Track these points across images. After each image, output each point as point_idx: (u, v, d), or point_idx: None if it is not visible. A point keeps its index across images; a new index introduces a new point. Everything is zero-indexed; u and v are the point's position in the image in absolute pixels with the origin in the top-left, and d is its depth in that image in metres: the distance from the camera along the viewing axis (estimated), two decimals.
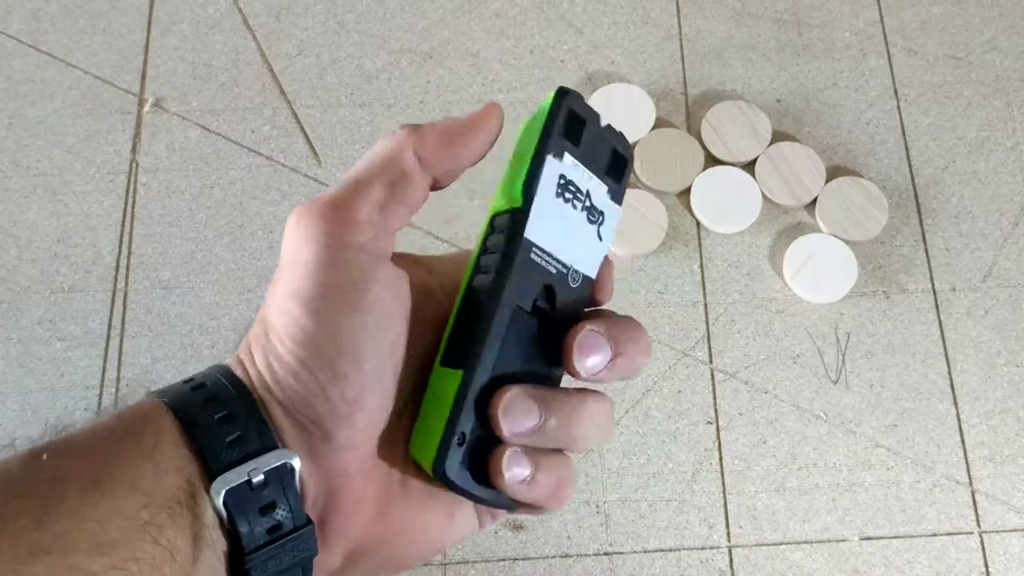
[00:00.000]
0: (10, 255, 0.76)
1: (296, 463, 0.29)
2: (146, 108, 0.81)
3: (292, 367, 0.29)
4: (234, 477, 0.28)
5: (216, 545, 0.28)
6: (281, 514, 0.29)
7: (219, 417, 0.29)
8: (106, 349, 0.73)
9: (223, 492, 0.28)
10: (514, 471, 0.31)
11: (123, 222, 0.77)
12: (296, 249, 0.30)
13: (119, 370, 0.72)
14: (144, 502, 0.27)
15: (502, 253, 0.31)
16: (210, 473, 0.28)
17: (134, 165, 0.79)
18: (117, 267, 0.75)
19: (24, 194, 0.78)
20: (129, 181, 0.78)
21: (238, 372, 0.31)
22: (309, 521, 0.30)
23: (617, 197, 0.36)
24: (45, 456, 0.26)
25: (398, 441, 0.32)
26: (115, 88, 0.81)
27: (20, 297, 0.74)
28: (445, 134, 0.32)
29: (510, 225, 0.32)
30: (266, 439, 0.29)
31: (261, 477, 0.28)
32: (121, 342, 0.73)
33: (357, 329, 0.29)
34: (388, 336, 0.30)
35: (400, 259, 0.33)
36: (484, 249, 0.32)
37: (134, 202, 0.78)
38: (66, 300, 0.74)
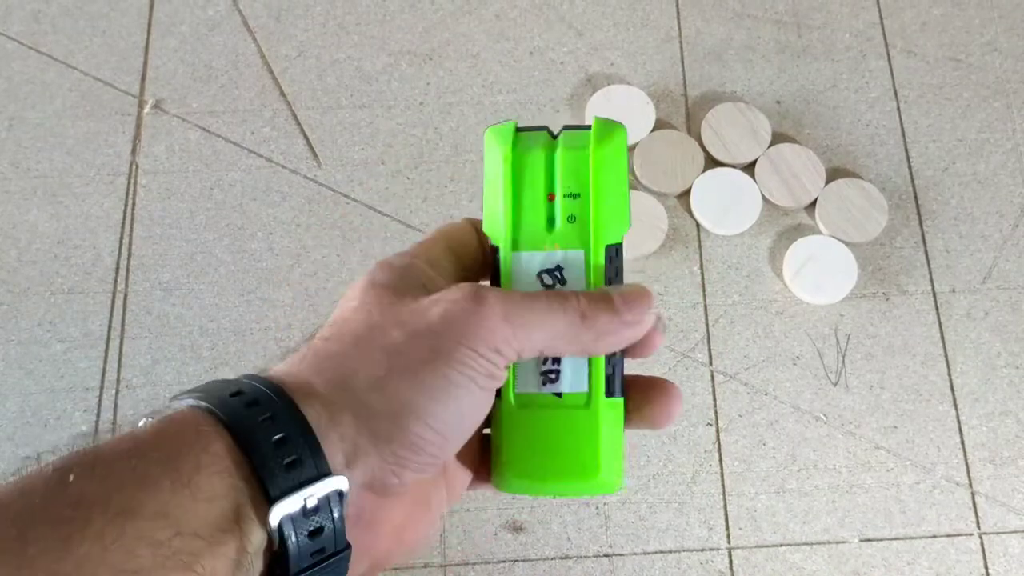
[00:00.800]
0: (10, 257, 0.76)
1: (346, 487, 0.29)
2: (146, 110, 0.81)
3: (403, 407, 0.30)
4: (291, 504, 0.28)
5: (254, 567, 0.28)
6: (326, 538, 0.29)
7: (276, 440, 0.28)
8: (106, 351, 0.73)
9: (280, 517, 0.28)
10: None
11: (123, 224, 0.77)
12: (462, 312, 0.31)
13: (119, 372, 0.72)
14: (175, 530, 0.26)
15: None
16: (267, 498, 0.28)
17: (134, 167, 0.79)
18: (117, 269, 0.75)
19: (24, 196, 0.78)
20: (129, 183, 0.78)
21: (291, 383, 0.30)
22: (348, 546, 0.30)
23: None
24: (72, 477, 0.26)
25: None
26: (115, 90, 0.82)
27: (20, 299, 0.74)
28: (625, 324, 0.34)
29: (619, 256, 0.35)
30: (321, 465, 0.29)
31: (315, 503, 0.28)
32: (121, 344, 0.73)
33: (472, 403, 0.31)
34: (480, 418, 0.32)
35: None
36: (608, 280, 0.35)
37: (134, 204, 0.78)
38: (66, 302, 0.74)
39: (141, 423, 0.29)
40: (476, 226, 0.36)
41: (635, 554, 0.67)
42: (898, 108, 0.81)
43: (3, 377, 0.72)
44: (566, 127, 0.36)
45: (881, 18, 0.84)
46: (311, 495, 0.28)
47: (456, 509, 0.68)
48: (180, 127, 0.80)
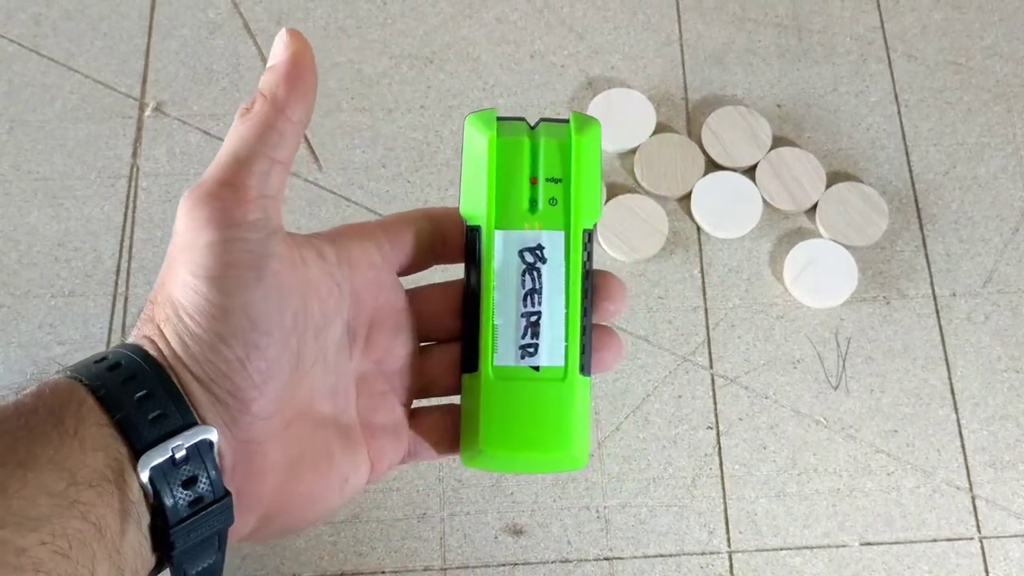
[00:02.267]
0: (10, 259, 0.76)
1: (214, 437, 0.30)
2: (147, 112, 0.81)
3: (208, 342, 0.30)
4: (158, 454, 0.29)
5: (142, 520, 0.29)
6: (202, 487, 0.30)
7: (139, 396, 0.30)
8: None
9: (148, 468, 0.29)
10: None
11: (124, 226, 0.77)
12: (196, 231, 0.30)
13: None
14: (70, 480, 0.27)
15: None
16: (135, 451, 0.29)
17: (135, 169, 0.79)
18: (118, 271, 0.75)
19: (24, 198, 0.78)
20: (130, 185, 0.78)
21: (150, 351, 0.31)
22: (227, 493, 0.31)
23: None
24: None
25: (304, 410, 0.34)
26: (116, 92, 0.82)
27: (20, 301, 0.74)
28: (288, 80, 0.34)
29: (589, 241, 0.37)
30: (186, 415, 0.30)
31: (183, 453, 0.29)
32: None
33: (262, 302, 0.31)
34: (290, 307, 0.32)
35: (290, 238, 0.34)
36: (587, 271, 0.36)
37: (135, 206, 0.78)
38: (66, 304, 0.74)
39: (14, 395, 0.30)
40: (436, 216, 0.38)
41: (635, 557, 0.67)
42: (899, 112, 0.81)
43: (3, 380, 0.72)
44: (543, 119, 0.38)
45: (882, 22, 0.84)
46: (178, 445, 0.29)
47: (455, 512, 0.68)
48: (181, 130, 0.80)
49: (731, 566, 0.67)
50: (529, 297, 0.36)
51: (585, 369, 0.36)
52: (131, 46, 0.83)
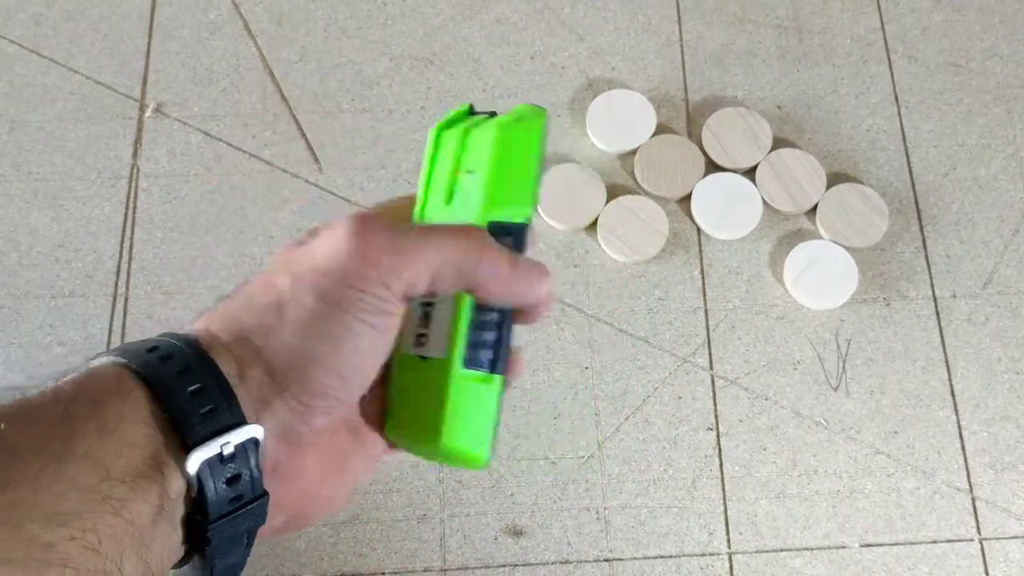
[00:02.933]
0: (11, 260, 0.76)
1: (261, 435, 0.30)
2: (147, 113, 0.81)
3: (304, 358, 0.31)
4: (208, 450, 0.29)
5: (176, 513, 0.29)
6: (244, 485, 0.30)
7: (192, 390, 0.29)
8: None
9: (198, 463, 0.29)
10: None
11: (124, 227, 0.77)
12: (345, 251, 0.31)
13: None
14: (103, 475, 0.27)
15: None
16: (184, 445, 0.29)
17: (135, 170, 0.79)
18: (118, 272, 0.75)
19: (25, 199, 0.78)
20: (130, 186, 0.78)
21: (204, 338, 0.31)
22: (265, 493, 0.31)
23: None
24: (3, 426, 0.27)
25: (342, 421, 0.35)
26: (116, 93, 0.82)
27: (21, 302, 0.74)
28: (504, 282, 0.34)
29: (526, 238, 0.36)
30: (236, 413, 0.30)
31: (231, 450, 0.29)
32: None
33: (368, 352, 0.32)
34: (382, 357, 0.33)
35: None
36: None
37: (135, 207, 0.78)
38: (67, 305, 0.74)
39: (54, 382, 0.30)
40: None
41: (635, 559, 0.67)
42: (899, 113, 0.81)
43: (4, 380, 0.72)
44: (493, 113, 0.37)
45: (882, 23, 0.84)
46: (227, 442, 0.29)
47: (455, 513, 0.68)
48: (181, 131, 0.80)
49: (731, 567, 0.67)
50: None
51: (475, 364, 0.35)
52: (131, 47, 0.83)
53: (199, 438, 0.29)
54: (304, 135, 0.80)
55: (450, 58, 0.83)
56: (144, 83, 0.82)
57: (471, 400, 0.35)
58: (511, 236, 0.35)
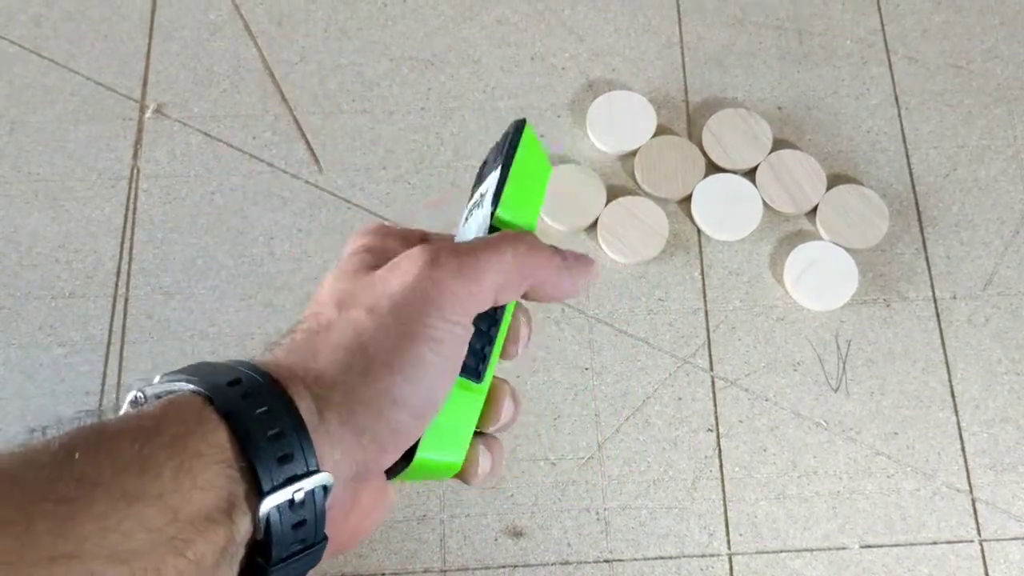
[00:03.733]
0: (11, 260, 0.76)
1: (330, 483, 0.30)
2: (147, 114, 0.81)
3: (383, 398, 0.31)
4: (280, 496, 0.29)
5: (236, 555, 0.29)
6: (308, 530, 0.30)
7: (272, 434, 0.29)
8: (107, 355, 0.73)
9: (269, 509, 0.29)
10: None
11: (124, 228, 0.77)
12: (421, 279, 0.32)
13: (120, 376, 0.72)
14: (171, 517, 0.27)
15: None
16: (258, 490, 0.29)
17: (135, 171, 0.79)
18: (118, 273, 0.75)
19: (25, 200, 0.78)
20: (130, 187, 0.78)
21: (280, 374, 0.31)
22: (325, 538, 0.31)
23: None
24: (77, 455, 0.26)
25: None
26: (116, 94, 0.82)
27: (21, 303, 0.74)
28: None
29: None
30: (311, 462, 0.30)
31: (301, 496, 0.29)
32: (122, 348, 0.73)
33: (442, 388, 0.33)
34: (448, 388, 0.34)
35: None
36: None
37: (135, 208, 0.78)
38: (67, 306, 0.74)
39: (131, 396, 0.30)
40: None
41: (635, 560, 0.67)
42: (899, 114, 0.81)
43: (3, 381, 0.72)
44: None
45: (882, 25, 0.84)
46: (299, 489, 0.29)
47: (456, 514, 0.68)
48: (181, 132, 0.80)
49: (731, 568, 0.67)
50: None
51: (464, 371, 0.35)
52: (132, 48, 0.84)
53: (274, 484, 0.29)
54: (304, 136, 0.80)
55: (450, 59, 0.83)
56: (144, 84, 0.82)
57: (454, 407, 0.35)
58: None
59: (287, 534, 0.29)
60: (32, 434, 0.28)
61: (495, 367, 0.36)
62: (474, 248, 0.33)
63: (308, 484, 0.29)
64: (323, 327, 0.32)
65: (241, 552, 0.29)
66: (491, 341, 0.36)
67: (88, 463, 0.26)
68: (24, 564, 0.24)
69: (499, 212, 0.36)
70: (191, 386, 0.30)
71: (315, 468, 0.30)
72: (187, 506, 0.27)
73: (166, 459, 0.27)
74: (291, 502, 0.29)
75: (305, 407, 0.30)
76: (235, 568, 0.29)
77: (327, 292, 0.34)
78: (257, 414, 0.29)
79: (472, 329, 0.33)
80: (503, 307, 0.36)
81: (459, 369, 0.33)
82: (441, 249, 0.33)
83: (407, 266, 0.33)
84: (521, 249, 0.34)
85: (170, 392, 0.30)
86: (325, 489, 0.30)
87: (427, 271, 0.32)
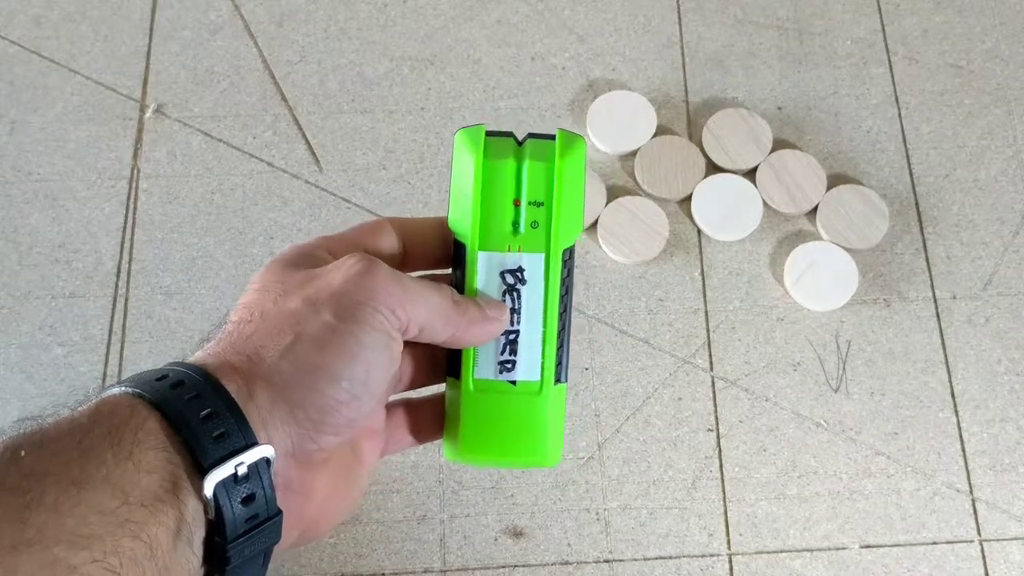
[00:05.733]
0: (11, 260, 0.76)
1: (271, 455, 0.31)
2: (148, 114, 0.81)
3: (317, 374, 0.32)
4: (222, 472, 0.30)
5: (194, 536, 0.30)
6: (259, 505, 0.31)
7: (204, 415, 0.30)
8: (107, 355, 0.73)
9: (213, 485, 0.30)
10: None
11: (124, 228, 0.77)
12: (360, 276, 0.33)
13: (120, 376, 0.72)
14: (122, 499, 0.28)
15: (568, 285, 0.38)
16: (199, 468, 0.30)
17: (135, 171, 0.79)
18: (118, 273, 0.75)
19: (25, 199, 0.78)
20: (130, 187, 0.78)
21: (211, 364, 0.32)
22: (279, 511, 0.32)
23: None
24: (23, 453, 0.28)
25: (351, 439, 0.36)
26: (117, 94, 0.82)
27: (21, 302, 0.74)
28: (472, 330, 0.37)
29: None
30: (247, 435, 0.31)
31: (244, 470, 0.30)
32: (122, 348, 0.73)
33: (381, 368, 0.33)
34: (387, 380, 0.35)
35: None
36: (567, 287, 0.38)
37: (135, 208, 0.78)
38: (67, 305, 0.74)
39: (65, 411, 0.31)
40: (396, 227, 0.39)
41: (635, 560, 0.67)
42: (899, 115, 0.81)
43: (3, 381, 0.72)
44: (531, 135, 0.39)
45: (882, 25, 0.84)
46: (241, 463, 0.30)
47: (455, 514, 0.68)
48: (182, 131, 0.80)
49: (731, 569, 0.67)
50: (509, 316, 0.38)
51: (561, 378, 0.38)
52: (132, 48, 0.84)
53: (213, 460, 0.30)
54: (304, 136, 0.80)
55: (450, 59, 0.83)
56: (145, 84, 0.82)
57: (559, 410, 0.38)
58: (571, 259, 0.38)
59: (238, 509, 0.30)
60: None
61: (553, 363, 0.38)
62: (411, 279, 0.35)
63: (249, 457, 0.30)
64: (256, 317, 0.34)
65: (198, 534, 0.30)
66: (567, 337, 0.39)
67: (34, 458, 0.28)
68: None
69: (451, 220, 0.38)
70: (121, 388, 0.31)
71: (253, 441, 0.31)
72: (135, 489, 0.28)
73: (105, 448, 0.29)
74: (235, 476, 0.30)
75: (235, 388, 0.31)
76: (195, 551, 0.30)
77: (259, 288, 0.35)
78: (187, 399, 0.30)
79: (401, 341, 0.35)
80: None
81: (397, 360, 0.35)
82: (377, 263, 0.34)
83: (348, 264, 0.34)
84: (449, 300, 0.36)
85: (101, 396, 0.31)
86: (268, 462, 0.31)
87: (367, 271, 0.34)
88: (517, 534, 0.68)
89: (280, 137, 0.80)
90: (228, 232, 0.77)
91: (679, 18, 0.85)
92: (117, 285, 0.75)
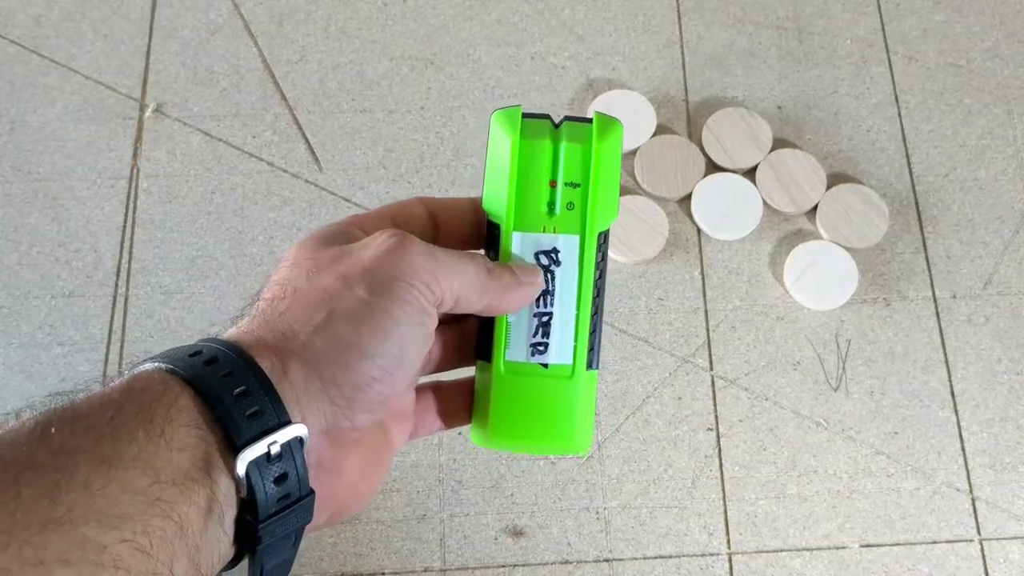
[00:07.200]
0: (11, 260, 0.76)
1: (305, 433, 0.31)
2: (147, 113, 0.81)
3: (351, 350, 0.32)
4: (255, 450, 0.30)
5: (225, 515, 0.30)
6: (291, 484, 0.31)
7: (237, 393, 0.30)
8: (106, 354, 0.73)
9: (246, 463, 0.29)
10: None
11: (124, 227, 0.77)
12: (393, 252, 0.33)
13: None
14: (153, 478, 0.27)
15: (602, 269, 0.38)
16: (232, 447, 0.29)
17: (135, 170, 0.79)
18: (118, 272, 0.75)
19: (25, 199, 0.78)
20: (130, 186, 0.78)
21: (245, 340, 0.32)
22: (312, 491, 0.32)
23: None
24: (54, 430, 0.27)
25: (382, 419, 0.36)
26: (116, 94, 0.82)
27: (21, 302, 0.74)
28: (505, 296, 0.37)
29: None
30: (281, 414, 0.30)
31: (277, 449, 0.30)
32: (122, 347, 0.73)
33: (416, 343, 0.33)
34: (421, 357, 0.35)
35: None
36: (601, 271, 0.38)
37: (135, 207, 0.78)
38: (67, 305, 0.74)
39: (100, 386, 0.30)
40: (428, 205, 0.39)
41: (635, 559, 0.67)
42: (899, 114, 0.81)
43: (4, 380, 0.72)
44: (567, 118, 0.38)
45: (882, 24, 0.84)
46: (274, 442, 0.30)
47: (455, 513, 0.68)
48: (181, 131, 0.80)
49: (731, 568, 0.67)
50: (542, 298, 0.37)
51: (592, 364, 0.38)
52: (132, 47, 0.84)
53: (247, 439, 0.29)
54: (304, 135, 0.80)
55: (450, 58, 0.83)
56: (144, 83, 0.82)
57: (589, 396, 0.38)
58: (605, 243, 0.38)
59: (270, 489, 0.30)
60: (7, 417, 0.28)
61: (585, 348, 0.38)
62: (445, 251, 0.35)
63: (282, 436, 0.30)
64: (289, 294, 0.33)
65: (230, 513, 0.30)
66: (600, 323, 0.38)
67: (65, 435, 0.27)
68: (19, 531, 0.25)
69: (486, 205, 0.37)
70: (153, 363, 0.31)
71: (286, 419, 0.30)
72: (166, 467, 0.28)
73: (137, 425, 0.28)
74: (268, 455, 0.30)
75: (268, 365, 0.31)
76: (226, 530, 0.30)
77: (292, 264, 0.35)
78: (221, 376, 0.30)
79: (436, 316, 0.34)
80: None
81: (431, 336, 0.34)
82: (410, 237, 0.34)
83: (381, 240, 0.34)
84: (483, 269, 0.35)
85: (134, 371, 0.31)
86: (302, 441, 0.31)
87: (399, 246, 0.33)
88: (517, 533, 0.68)
89: (280, 136, 0.80)
90: (228, 231, 0.77)
91: (679, 17, 0.85)
92: (117, 284, 0.75)
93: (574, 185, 0.37)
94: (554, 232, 0.37)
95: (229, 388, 0.30)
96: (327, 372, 0.32)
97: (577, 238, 0.37)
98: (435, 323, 0.34)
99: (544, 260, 0.37)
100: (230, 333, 0.33)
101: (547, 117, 0.38)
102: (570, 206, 0.37)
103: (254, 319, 0.33)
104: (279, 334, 0.32)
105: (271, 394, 0.30)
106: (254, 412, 0.30)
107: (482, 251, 0.38)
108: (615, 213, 0.38)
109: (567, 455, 0.40)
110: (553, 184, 0.37)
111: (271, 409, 0.30)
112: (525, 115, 0.38)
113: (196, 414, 0.29)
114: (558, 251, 0.37)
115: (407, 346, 0.33)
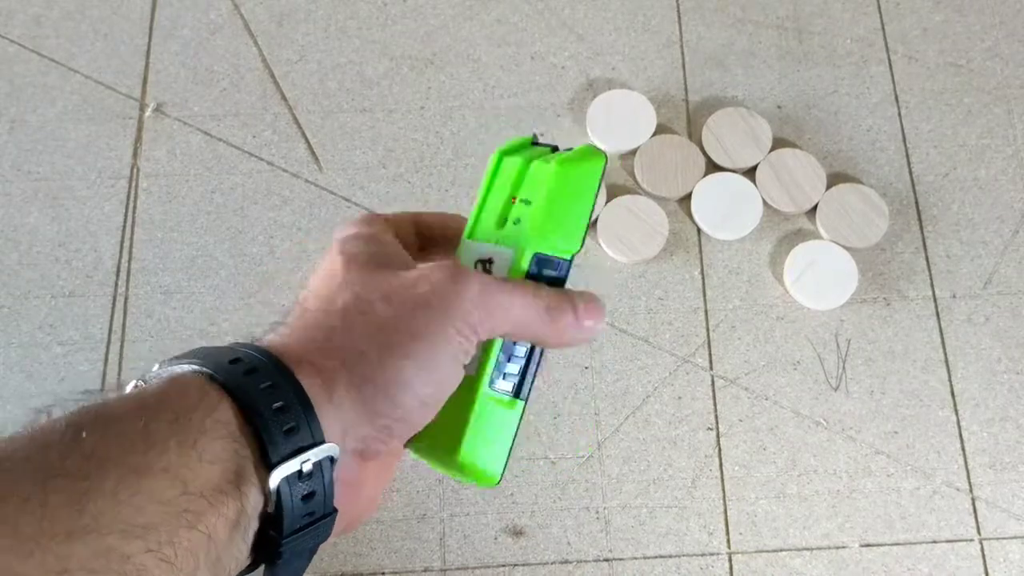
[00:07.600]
0: (11, 259, 0.76)
1: (336, 454, 0.31)
2: (147, 113, 0.81)
3: (395, 382, 0.32)
4: (289, 467, 0.30)
5: (248, 528, 0.30)
6: (317, 502, 0.31)
7: (276, 407, 0.30)
8: (106, 354, 0.73)
9: (279, 480, 0.29)
10: None
11: (124, 227, 0.77)
12: (447, 292, 0.33)
13: (119, 375, 0.72)
14: (182, 489, 0.27)
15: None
16: (266, 462, 0.29)
17: (135, 170, 0.79)
18: (118, 272, 0.75)
19: (25, 199, 0.78)
20: (130, 186, 0.78)
21: (284, 351, 0.32)
22: (335, 510, 0.32)
23: None
24: (85, 434, 0.27)
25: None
26: (116, 93, 0.82)
27: (21, 302, 0.74)
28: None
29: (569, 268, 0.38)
30: (316, 433, 0.30)
31: (309, 467, 0.30)
32: (121, 347, 0.73)
33: (450, 377, 0.33)
34: (451, 392, 0.35)
35: None
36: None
37: (135, 207, 0.78)
38: (67, 305, 0.74)
39: (132, 385, 0.30)
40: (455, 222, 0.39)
41: (635, 559, 0.67)
42: (899, 113, 0.81)
43: (3, 380, 0.72)
44: (566, 150, 0.39)
45: (882, 24, 0.84)
46: (307, 460, 0.30)
47: (455, 513, 0.68)
48: (181, 131, 0.80)
49: (731, 567, 0.67)
50: None
51: (509, 390, 0.37)
52: (132, 47, 0.84)
53: (282, 455, 0.29)
54: (304, 135, 0.80)
55: (450, 58, 0.83)
56: (144, 83, 0.82)
57: (492, 420, 0.37)
58: (554, 269, 0.37)
59: (297, 506, 0.30)
60: (38, 415, 0.28)
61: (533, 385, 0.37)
62: (501, 285, 0.34)
63: (315, 455, 0.30)
64: (334, 310, 0.33)
65: (253, 526, 0.30)
66: (534, 358, 0.37)
67: (96, 441, 0.27)
68: (44, 539, 0.25)
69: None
70: (192, 366, 0.30)
71: (321, 439, 0.30)
72: (196, 479, 0.28)
73: (171, 434, 0.28)
74: (299, 473, 0.30)
75: (310, 382, 0.31)
76: (247, 543, 0.30)
77: (341, 283, 0.34)
78: (261, 388, 0.30)
79: (475, 352, 0.34)
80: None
81: (461, 377, 0.34)
82: (466, 272, 0.34)
83: (435, 275, 0.34)
84: (542, 310, 0.35)
85: (171, 373, 0.31)
86: (332, 460, 0.31)
87: (451, 285, 0.33)
88: (517, 533, 0.68)
89: (280, 136, 0.80)
90: (227, 231, 0.77)
91: (679, 17, 0.85)
92: (117, 284, 0.75)
93: (526, 202, 0.37)
94: (496, 243, 0.37)
95: (269, 401, 0.30)
96: (372, 401, 0.32)
97: (512, 252, 0.36)
98: (468, 358, 0.34)
99: (480, 268, 0.37)
100: (269, 340, 0.33)
101: (554, 147, 0.39)
102: (516, 221, 0.37)
103: (295, 331, 0.33)
104: (324, 353, 0.32)
105: (308, 411, 0.30)
106: (290, 428, 0.30)
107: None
108: (573, 243, 0.37)
109: (470, 483, 0.39)
110: (514, 200, 0.37)
111: (307, 426, 0.30)
112: (535, 143, 0.39)
113: (234, 426, 0.29)
114: (492, 262, 0.37)
115: (444, 384, 0.33)
